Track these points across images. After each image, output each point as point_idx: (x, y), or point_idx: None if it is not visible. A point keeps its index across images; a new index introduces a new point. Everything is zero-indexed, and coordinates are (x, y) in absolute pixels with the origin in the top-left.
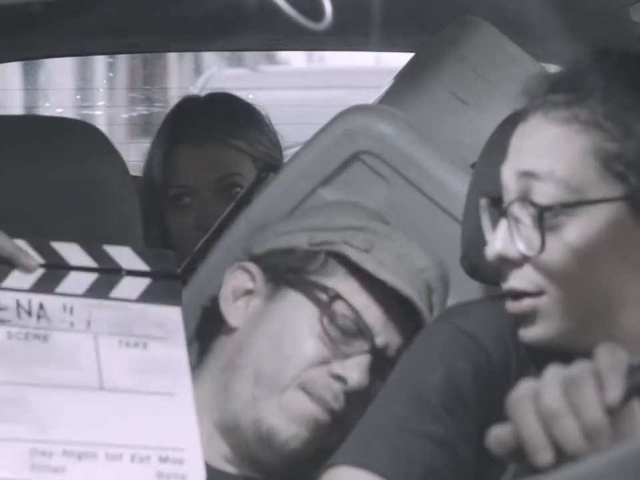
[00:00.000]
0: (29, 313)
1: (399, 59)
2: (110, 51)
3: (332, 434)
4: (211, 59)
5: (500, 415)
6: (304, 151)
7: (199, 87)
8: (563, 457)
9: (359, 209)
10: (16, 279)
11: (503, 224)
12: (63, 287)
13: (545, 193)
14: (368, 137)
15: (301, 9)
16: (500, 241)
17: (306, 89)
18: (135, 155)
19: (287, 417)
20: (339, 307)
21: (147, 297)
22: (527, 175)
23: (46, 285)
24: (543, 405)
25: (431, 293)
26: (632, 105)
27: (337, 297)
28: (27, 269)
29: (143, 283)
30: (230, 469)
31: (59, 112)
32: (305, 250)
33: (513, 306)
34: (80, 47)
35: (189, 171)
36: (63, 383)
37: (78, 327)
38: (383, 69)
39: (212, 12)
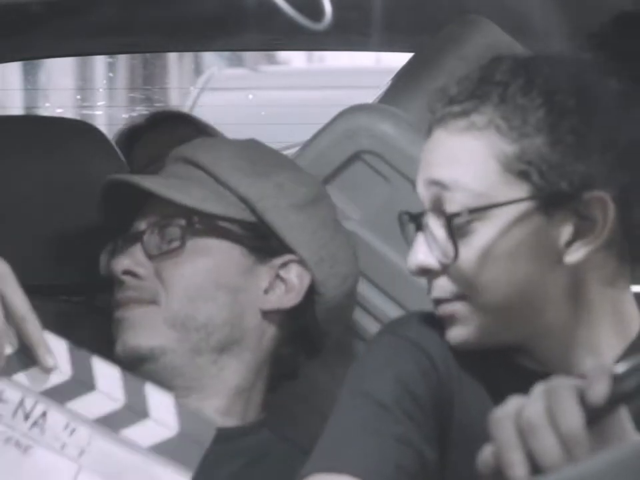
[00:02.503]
0: (27, 417)
1: (399, 59)
2: (110, 51)
3: None
4: (211, 59)
5: (454, 424)
6: (305, 151)
7: (199, 87)
8: (541, 471)
9: None
10: (33, 376)
11: (420, 236)
12: (78, 404)
13: (453, 202)
14: (369, 136)
15: (300, 8)
16: (419, 253)
17: (306, 88)
18: None
19: None
20: None
21: (160, 449)
22: (435, 183)
23: (61, 394)
24: (523, 419)
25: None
26: (525, 106)
27: None
28: (42, 367)
29: (163, 433)
30: None
31: (58, 112)
32: None
33: (438, 310)
34: (80, 47)
35: None
36: None
37: (68, 452)
38: (383, 69)
39: (212, 12)
